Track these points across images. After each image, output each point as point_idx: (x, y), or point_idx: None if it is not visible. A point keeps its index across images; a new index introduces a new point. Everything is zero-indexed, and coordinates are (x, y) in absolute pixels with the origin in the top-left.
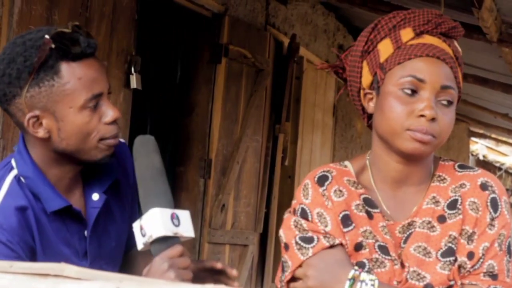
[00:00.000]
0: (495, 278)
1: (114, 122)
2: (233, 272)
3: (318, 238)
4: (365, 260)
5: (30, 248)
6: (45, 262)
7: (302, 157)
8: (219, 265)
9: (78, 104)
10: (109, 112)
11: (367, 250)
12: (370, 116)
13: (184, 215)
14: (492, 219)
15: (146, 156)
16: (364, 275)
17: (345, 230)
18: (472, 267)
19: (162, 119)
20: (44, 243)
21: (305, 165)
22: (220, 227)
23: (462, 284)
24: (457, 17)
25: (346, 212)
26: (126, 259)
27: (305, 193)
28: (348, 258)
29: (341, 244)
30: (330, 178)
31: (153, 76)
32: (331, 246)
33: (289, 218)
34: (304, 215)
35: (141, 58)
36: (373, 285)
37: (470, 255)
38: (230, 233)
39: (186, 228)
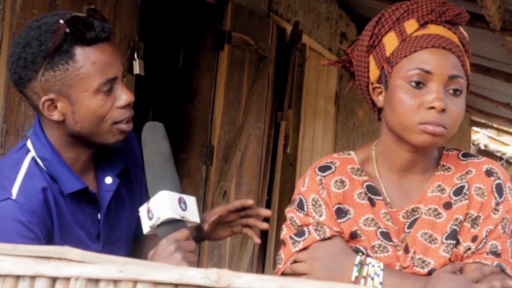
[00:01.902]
0: (499, 256)
1: (127, 105)
2: (266, 212)
3: (309, 232)
4: (361, 247)
5: (48, 229)
6: (61, 243)
7: (304, 144)
8: (249, 202)
9: (92, 88)
10: (123, 96)
11: (363, 238)
12: (380, 109)
13: (191, 201)
14: (497, 203)
15: (155, 142)
16: (369, 259)
17: (339, 221)
18: (476, 247)
19: (165, 105)
20: (61, 224)
21: (307, 152)
22: None
23: (465, 264)
24: (460, 5)
25: (340, 206)
26: (135, 245)
27: (303, 182)
28: (349, 246)
29: (336, 235)
30: (333, 168)
31: (156, 62)
32: (323, 240)
33: (287, 215)
34: (300, 205)
35: (144, 44)
36: (379, 266)
37: (475, 239)
38: None
39: (192, 213)
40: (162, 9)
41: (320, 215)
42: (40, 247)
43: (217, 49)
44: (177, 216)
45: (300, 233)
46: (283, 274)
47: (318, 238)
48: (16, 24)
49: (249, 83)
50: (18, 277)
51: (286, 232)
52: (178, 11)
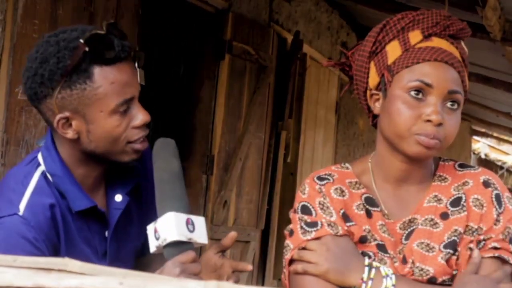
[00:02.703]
0: (498, 249)
1: (142, 125)
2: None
3: (322, 224)
4: (370, 252)
5: (54, 246)
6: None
7: (304, 154)
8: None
9: (109, 108)
10: (139, 116)
11: (372, 243)
12: (375, 116)
13: (199, 221)
14: (498, 214)
15: (165, 159)
16: (376, 263)
17: (348, 224)
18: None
19: (165, 114)
20: (68, 241)
21: (307, 162)
22: (222, 224)
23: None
24: (461, 15)
25: (344, 211)
26: (141, 262)
27: (303, 190)
28: (357, 249)
29: (347, 235)
30: (331, 180)
31: (156, 71)
32: (335, 235)
33: (295, 216)
34: (306, 211)
35: (145, 53)
36: (389, 270)
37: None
38: (232, 229)
39: (200, 235)
40: (163, 18)
41: (331, 216)
42: (40, 259)
43: (218, 59)
44: (183, 238)
45: (311, 224)
46: (291, 261)
47: (331, 232)
48: (17, 34)
49: (250, 92)
50: None
51: (295, 224)
52: (179, 20)
